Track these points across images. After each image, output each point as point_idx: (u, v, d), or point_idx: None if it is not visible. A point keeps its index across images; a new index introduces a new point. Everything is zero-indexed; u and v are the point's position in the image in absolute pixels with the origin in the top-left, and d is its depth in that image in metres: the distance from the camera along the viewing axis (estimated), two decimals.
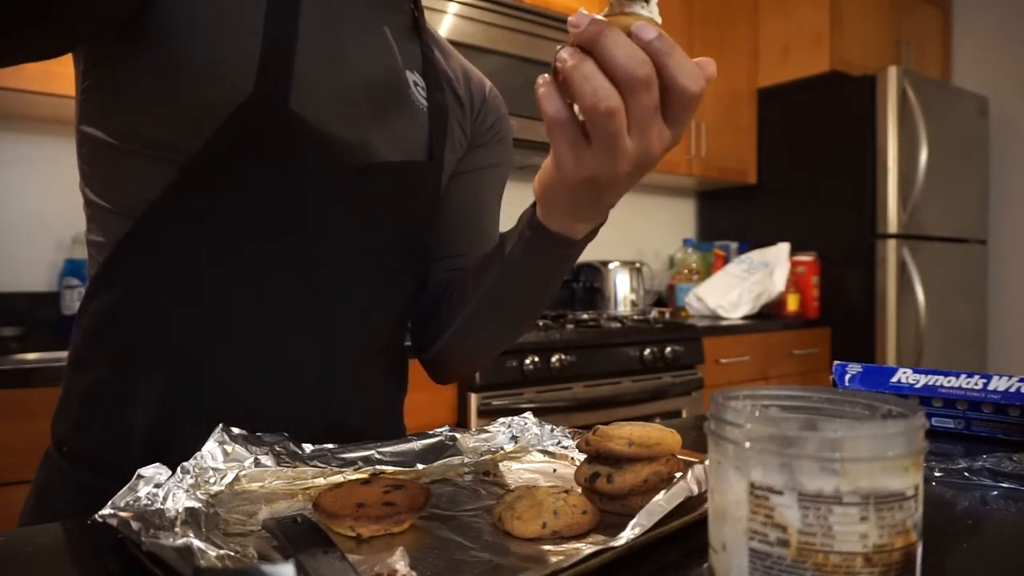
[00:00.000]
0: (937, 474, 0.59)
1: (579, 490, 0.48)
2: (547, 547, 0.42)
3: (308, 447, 0.54)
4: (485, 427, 0.63)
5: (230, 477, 0.50)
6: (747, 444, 0.29)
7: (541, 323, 1.96)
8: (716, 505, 0.31)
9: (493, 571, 0.38)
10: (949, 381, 0.72)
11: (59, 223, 1.78)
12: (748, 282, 2.63)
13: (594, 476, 0.48)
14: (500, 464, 0.58)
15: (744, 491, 0.29)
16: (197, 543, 0.37)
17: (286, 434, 0.54)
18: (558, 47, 0.42)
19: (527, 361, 1.78)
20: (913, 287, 2.66)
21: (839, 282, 2.76)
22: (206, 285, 0.57)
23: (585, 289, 2.59)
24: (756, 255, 2.74)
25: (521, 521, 0.43)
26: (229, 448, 0.51)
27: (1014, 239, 3.18)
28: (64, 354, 0.76)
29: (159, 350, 0.58)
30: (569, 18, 0.41)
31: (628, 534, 0.38)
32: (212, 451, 0.50)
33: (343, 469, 0.54)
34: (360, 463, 0.55)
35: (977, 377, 0.71)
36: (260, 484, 0.50)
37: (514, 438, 0.63)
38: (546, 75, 0.43)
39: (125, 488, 0.43)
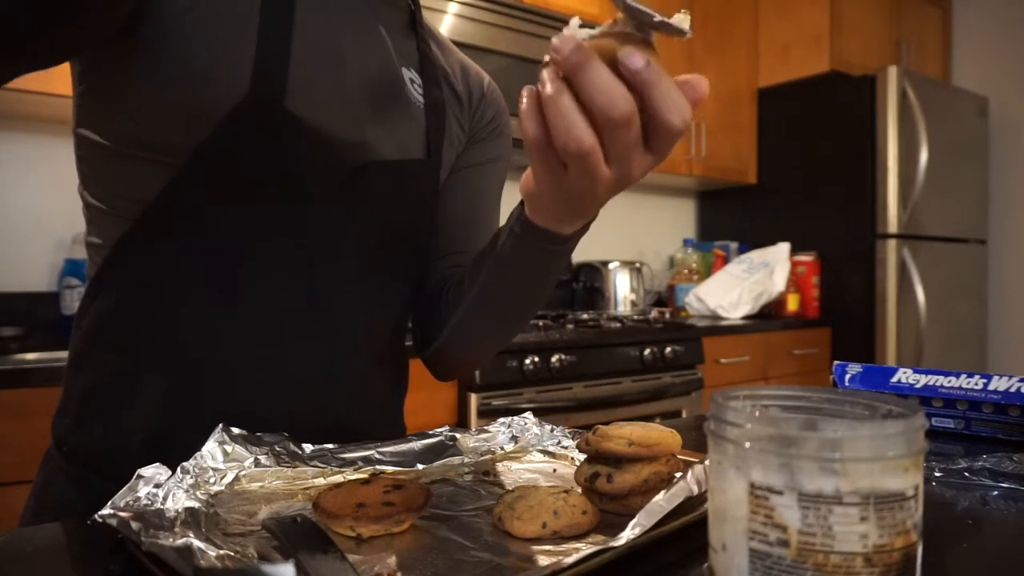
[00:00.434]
0: (937, 474, 0.59)
1: (579, 490, 0.48)
2: (547, 547, 0.42)
3: (308, 447, 0.54)
4: (485, 427, 0.63)
5: (230, 477, 0.50)
6: (747, 444, 0.29)
7: (541, 323, 1.96)
8: (716, 505, 0.31)
9: (493, 571, 0.38)
10: (949, 381, 0.72)
11: (59, 223, 1.78)
12: (748, 282, 2.63)
13: (594, 476, 0.48)
14: (500, 464, 0.58)
15: (744, 491, 0.29)
16: (197, 543, 0.37)
17: (286, 434, 0.54)
18: (545, 57, 0.40)
19: (527, 361, 1.78)
20: (913, 287, 2.66)
21: (839, 282, 2.76)
22: (205, 286, 0.57)
23: (585, 289, 2.59)
24: (756, 255, 2.74)
25: (521, 521, 0.43)
26: (229, 448, 0.51)
27: (1014, 239, 3.18)
28: (64, 354, 0.76)
29: (159, 351, 0.58)
30: (552, 40, 0.38)
31: (628, 534, 0.38)
32: (212, 451, 0.50)
33: (343, 469, 0.54)
34: (360, 463, 0.55)
35: (977, 377, 0.71)
36: (260, 484, 0.50)
37: (514, 438, 0.63)
38: (532, 88, 0.41)
39: (125, 488, 0.43)
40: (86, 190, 0.61)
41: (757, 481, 0.28)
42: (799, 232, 2.88)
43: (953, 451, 0.67)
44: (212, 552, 0.37)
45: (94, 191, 0.60)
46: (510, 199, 0.86)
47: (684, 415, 2.11)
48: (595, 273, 2.57)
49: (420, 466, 0.56)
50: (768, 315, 2.72)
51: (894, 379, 0.75)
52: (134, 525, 0.38)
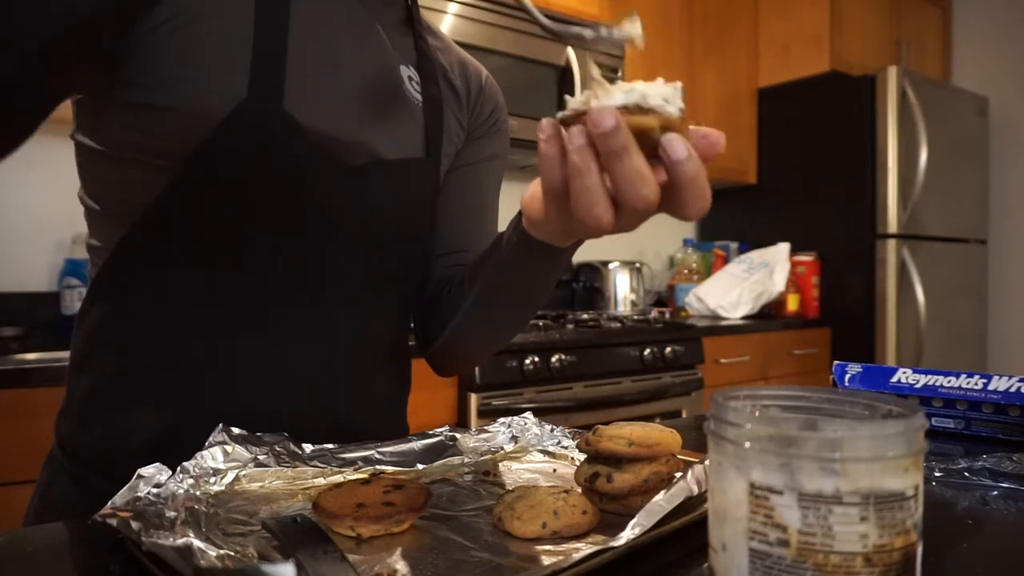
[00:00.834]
0: (937, 474, 0.59)
1: (579, 490, 0.48)
2: (547, 547, 0.42)
3: (308, 447, 0.54)
4: (485, 427, 0.63)
5: (230, 477, 0.50)
6: (747, 444, 0.29)
7: (541, 323, 1.96)
8: (716, 505, 0.31)
9: (493, 571, 0.38)
10: (949, 381, 0.72)
11: (59, 223, 1.78)
12: (748, 282, 2.63)
13: (594, 476, 0.48)
14: (500, 464, 0.58)
15: (744, 491, 0.29)
16: (197, 543, 0.37)
17: (286, 434, 0.54)
18: (568, 107, 0.38)
19: (527, 361, 1.78)
20: (913, 287, 2.66)
21: (839, 282, 2.76)
22: (205, 287, 0.57)
23: (585, 289, 2.59)
24: (756, 255, 2.74)
25: (521, 521, 0.43)
26: (229, 448, 0.51)
27: (1014, 239, 3.18)
28: (64, 354, 0.76)
29: (159, 352, 0.58)
30: (591, 110, 0.36)
31: (628, 534, 0.38)
32: (212, 451, 0.50)
33: (343, 469, 0.54)
34: (360, 463, 0.55)
35: (977, 377, 0.71)
36: (260, 484, 0.51)
37: (514, 438, 0.63)
38: (555, 128, 0.39)
39: (125, 488, 0.43)
40: (86, 194, 0.61)
41: (757, 481, 0.28)
42: (799, 232, 2.88)
43: (953, 451, 0.67)
44: (212, 552, 0.37)
45: (94, 195, 0.60)
46: (511, 204, 0.86)
47: (684, 415, 2.11)
48: (595, 273, 2.57)
49: (420, 466, 0.56)
50: (768, 315, 2.72)
51: (894, 379, 0.75)
52: (134, 525, 0.38)
